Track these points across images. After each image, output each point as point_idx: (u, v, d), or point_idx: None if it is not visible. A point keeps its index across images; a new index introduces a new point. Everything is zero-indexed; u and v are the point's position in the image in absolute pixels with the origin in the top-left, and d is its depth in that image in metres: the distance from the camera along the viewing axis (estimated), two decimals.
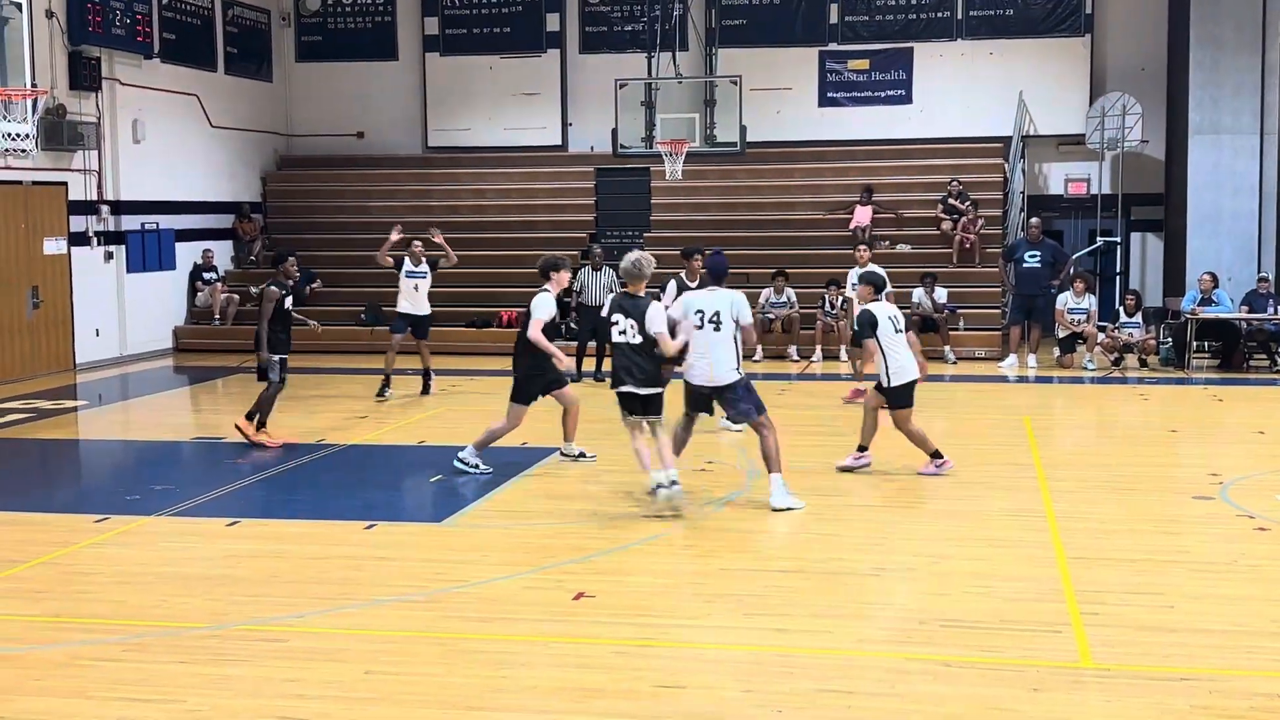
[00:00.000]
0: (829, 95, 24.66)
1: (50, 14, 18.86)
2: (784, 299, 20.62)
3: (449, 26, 25.74)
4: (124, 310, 20.95)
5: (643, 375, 10.20)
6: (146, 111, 21.27)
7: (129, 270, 20.97)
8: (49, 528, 9.93)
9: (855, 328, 11.84)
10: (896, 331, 11.46)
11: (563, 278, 11.65)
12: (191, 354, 21.70)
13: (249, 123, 24.80)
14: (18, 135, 12.63)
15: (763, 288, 20.79)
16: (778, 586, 8.20)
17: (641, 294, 10.42)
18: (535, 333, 11.24)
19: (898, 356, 11.39)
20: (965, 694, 6.43)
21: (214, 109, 23.43)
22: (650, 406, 10.27)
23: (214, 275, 22.87)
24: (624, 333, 10.25)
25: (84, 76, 19.61)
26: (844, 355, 20.01)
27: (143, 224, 21.32)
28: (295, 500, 11.01)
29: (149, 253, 21.47)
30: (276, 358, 12.93)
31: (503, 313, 21.91)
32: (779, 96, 24.20)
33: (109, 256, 20.65)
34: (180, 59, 22.47)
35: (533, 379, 11.48)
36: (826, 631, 7.34)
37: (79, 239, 19.91)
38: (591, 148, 24.80)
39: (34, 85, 14.20)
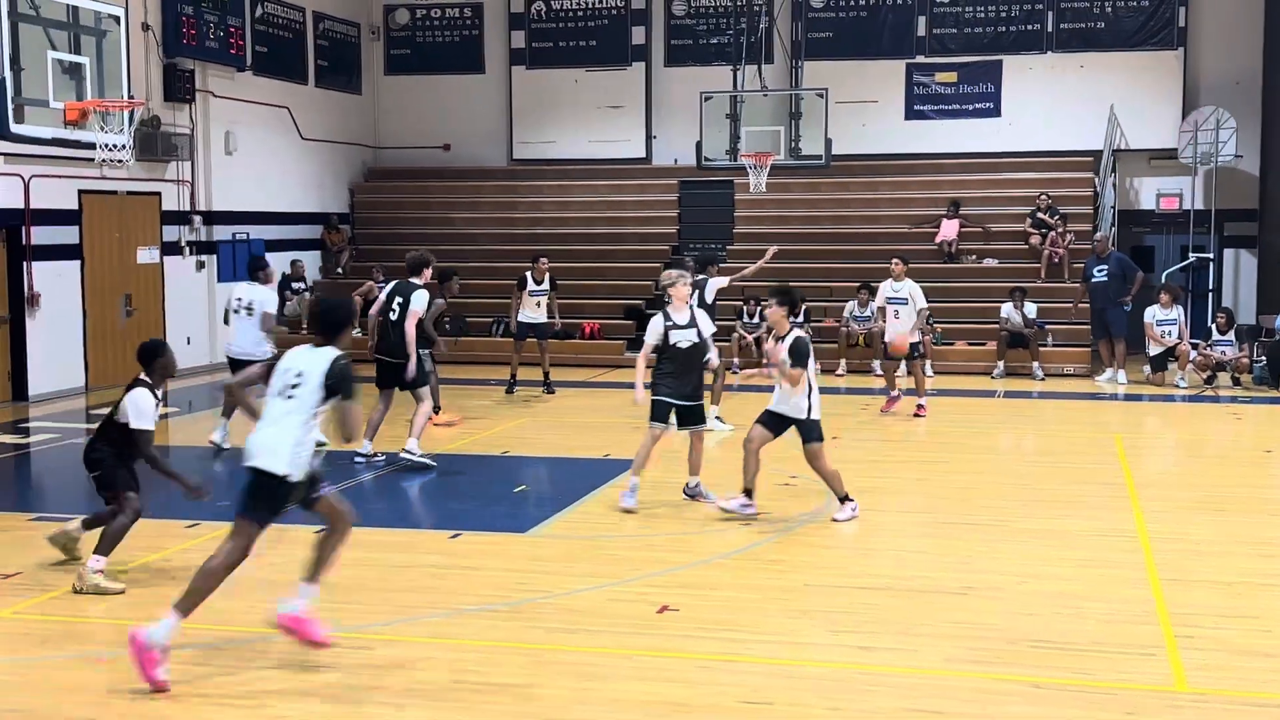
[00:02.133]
0: (916, 108, 24.49)
1: (146, 27, 19.22)
2: (868, 312, 20.45)
3: (535, 40, 25.91)
4: (214, 319, 21.23)
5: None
6: (238, 123, 21.63)
7: (220, 279, 21.29)
8: (141, 532, 10.01)
9: (787, 356, 9.88)
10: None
11: (429, 273, 12.84)
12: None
13: (338, 135, 25.12)
14: (114, 146, 12.90)
15: (847, 300, 20.67)
16: (864, 604, 8.12)
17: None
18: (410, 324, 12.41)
19: (816, 388, 10.16)
20: (1056, 716, 6.32)
21: (304, 121, 23.77)
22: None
23: (303, 285, 23.16)
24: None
25: (178, 89, 19.96)
26: (927, 369, 19.83)
27: (233, 234, 21.67)
28: (381, 509, 11.09)
29: (239, 262, 21.77)
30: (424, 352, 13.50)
31: (585, 325, 21.96)
32: (865, 109, 24.08)
33: (200, 266, 21.00)
34: (272, 72, 22.82)
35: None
36: (913, 650, 7.25)
37: (171, 248, 20.27)
38: (675, 160, 24.83)
39: (130, 97, 14.49)
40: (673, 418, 10.61)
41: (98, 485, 8.89)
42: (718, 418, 14.26)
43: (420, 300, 12.60)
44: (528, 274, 17.76)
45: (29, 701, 6.52)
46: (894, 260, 16.46)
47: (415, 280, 12.76)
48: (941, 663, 7.05)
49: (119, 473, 8.78)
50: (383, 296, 13.19)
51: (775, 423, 10.18)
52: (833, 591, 8.43)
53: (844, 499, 10.32)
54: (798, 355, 9.87)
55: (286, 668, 6.97)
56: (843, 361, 20.08)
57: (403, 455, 12.60)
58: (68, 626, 7.76)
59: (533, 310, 17.72)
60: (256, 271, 13.47)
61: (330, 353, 7.00)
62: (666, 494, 11.24)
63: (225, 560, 6.89)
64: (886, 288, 16.22)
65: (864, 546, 9.68)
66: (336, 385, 6.92)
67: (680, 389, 10.53)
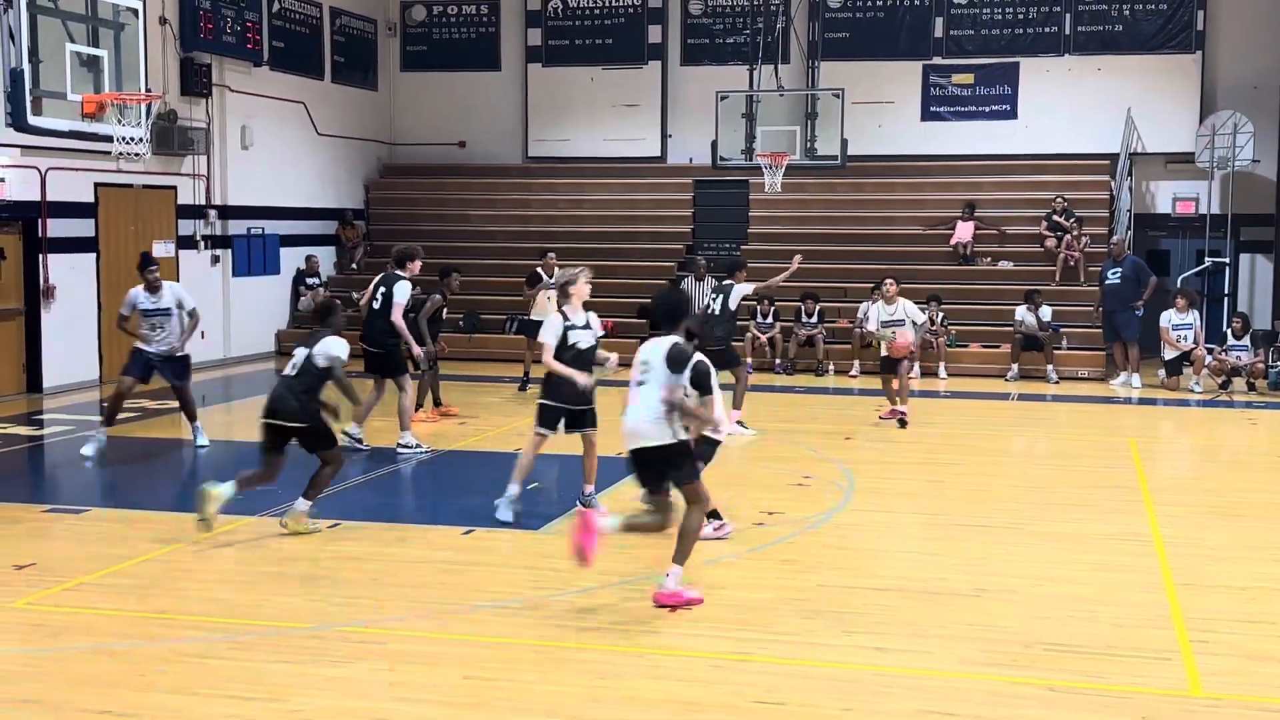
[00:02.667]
0: (932, 109, 24.45)
1: (164, 21, 19.26)
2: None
3: (551, 38, 25.91)
4: (229, 313, 21.32)
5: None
6: (254, 118, 21.66)
7: (235, 274, 21.36)
8: (154, 525, 10.10)
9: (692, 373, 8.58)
10: None
11: (415, 266, 13.12)
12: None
13: (354, 130, 25.15)
14: (131, 139, 12.90)
15: (861, 301, 20.64)
16: (877, 605, 8.10)
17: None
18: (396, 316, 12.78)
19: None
20: (1072, 719, 6.30)
21: (320, 116, 23.79)
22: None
23: (317, 280, 23.18)
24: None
25: (195, 83, 20.00)
26: (941, 372, 19.82)
27: (249, 229, 21.70)
28: (395, 504, 11.11)
29: (254, 257, 21.86)
30: (423, 349, 13.99)
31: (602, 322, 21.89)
32: (881, 110, 24.04)
33: (215, 260, 21.04)
34: (288, 67, 22.85)
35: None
36: (927, 652, 7.22)
37: (187, 242, 20.31)
38: (691, 159, 24.80)
39: (147, 90, 14.50)
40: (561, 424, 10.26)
41: (309, 441, 9.78)
42: (739, 422, 14.18)
43: (402, 292, 12.91)
44: (539, 269, 17.75)
45: (42, 692, 6.53)
46: (887, 282, 15.53)
47: (400, 272, 13.07)
48: (955, 665, 7.03)
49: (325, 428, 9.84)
50: (370, 286, 13.45)
51: None
52: (846, 592, 8.41)
53: (711, 514, 9.42)
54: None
55: (301, 661, 6.98)
56: (856, 363, 20.06)
57: (399, 450, 12.81)
58: (80, 618, 7.76)
59: (543, 308, 17.33)
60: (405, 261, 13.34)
61: (669, 340, 8.12)
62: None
63: (697, 520, 8.15)
64: (879, 310, 15.40)
65: (877, 548, 9.66)
66: (676, 363, 8.00)
67: (571, 393, 10.02)
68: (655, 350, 8.13)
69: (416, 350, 13.36)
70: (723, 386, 8.68)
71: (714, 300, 14.65)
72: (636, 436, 8.02)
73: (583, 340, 10.08)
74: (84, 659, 7.03)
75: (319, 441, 9.80)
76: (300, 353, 9.84)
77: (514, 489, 10.19)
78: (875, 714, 6.33)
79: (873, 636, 7.47)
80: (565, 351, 10.01)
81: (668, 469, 8.03)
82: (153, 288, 13.17)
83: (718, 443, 9.53)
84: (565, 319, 10.08)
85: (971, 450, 14.07)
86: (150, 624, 7.64)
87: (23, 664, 7.06)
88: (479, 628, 7.63)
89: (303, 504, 9.78)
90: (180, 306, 13.14)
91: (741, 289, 14.32)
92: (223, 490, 9.41)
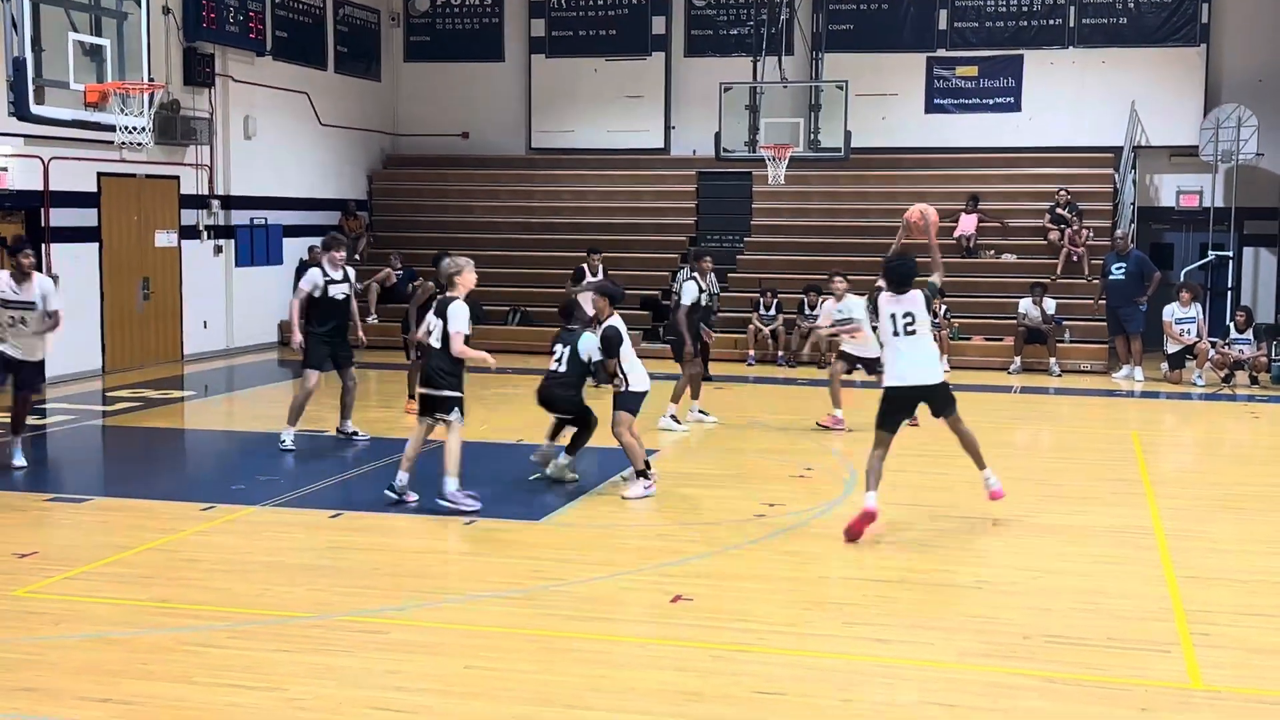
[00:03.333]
0: (936, 101, 24.41)
1: (166, 10, 19.26)
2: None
3: (555, 29, 25.88)
4: (231, 303, 21.32)
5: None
6: (257, 108, 21.64)
7: (237, 264, 21.36)
8: (156, 515, 10.11)
9: (600, 349, 11.04)
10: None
11: (334, 256, 12.87)
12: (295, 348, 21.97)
13: (357, 121, 25.13)
14: (134, 129, 12.86)
15: (863, 293, 20.58)
16: (878, 596, 8.11)
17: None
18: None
19: (635, 368, 11.04)
20: (1071, 712, 6.30)
21: (323, 107, 23.77)
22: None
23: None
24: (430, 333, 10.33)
25: (198, 72, 20.00)
26: (944, 365, 19.78)
27: (251, 219, 21.70)
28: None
29: (257, 247, 21.85)
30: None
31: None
32: (885, 102, 24.01)
33: (218, 250, 21.04)
34: (291, 57, 22.83)
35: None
36: (928, 644, 7.22)
37: (189, 232, 20.31)
38: (694, 151, 24.77)
39: (150, 80, 14.48)
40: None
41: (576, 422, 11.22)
42: (673, 416, 14.07)
43: (306, 279, 13.01)
44: (584, 266, 18.23)
45: (42, 679, 6.54)
46: (835, 278, 15.33)
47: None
48: (956, 656, 7.03)
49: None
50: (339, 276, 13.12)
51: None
52: (847, 584, 8.41)
53: (642, 471, 10.84)
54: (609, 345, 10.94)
55: (301, 651, 6.98)
56: None
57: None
58: (81, 606, 7.77)
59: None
60: None
61: (920, 293, 9.76)
62: (680, 484, 11.24)
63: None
64: (829, 308, 15.32)
65: (878, 540, 9.63)
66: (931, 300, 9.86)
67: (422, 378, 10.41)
68: (915, 302, 9.72)
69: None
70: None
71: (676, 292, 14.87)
72: (924, 373, 9.74)
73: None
74: (84, 647, 7.04)
75: (585, 419, 11.19)
76: (562, 349, 11.09)
77: (403, 475, 10.31)
78: (875, 705, 6.33)
79: (873, 628, 7.47)
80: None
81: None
82: (21, 275, 11.59)
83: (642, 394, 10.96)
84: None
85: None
86: (151, 613, 7.65)
87: (23, 652, 7.07)
88: (479, 617, 7.63)
89: (565, 458, 11.15)
90: (45, 302, 11.64)
91: (690, 288, 14.32)
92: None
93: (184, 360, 20.01)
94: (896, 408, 9.78)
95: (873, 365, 14.60)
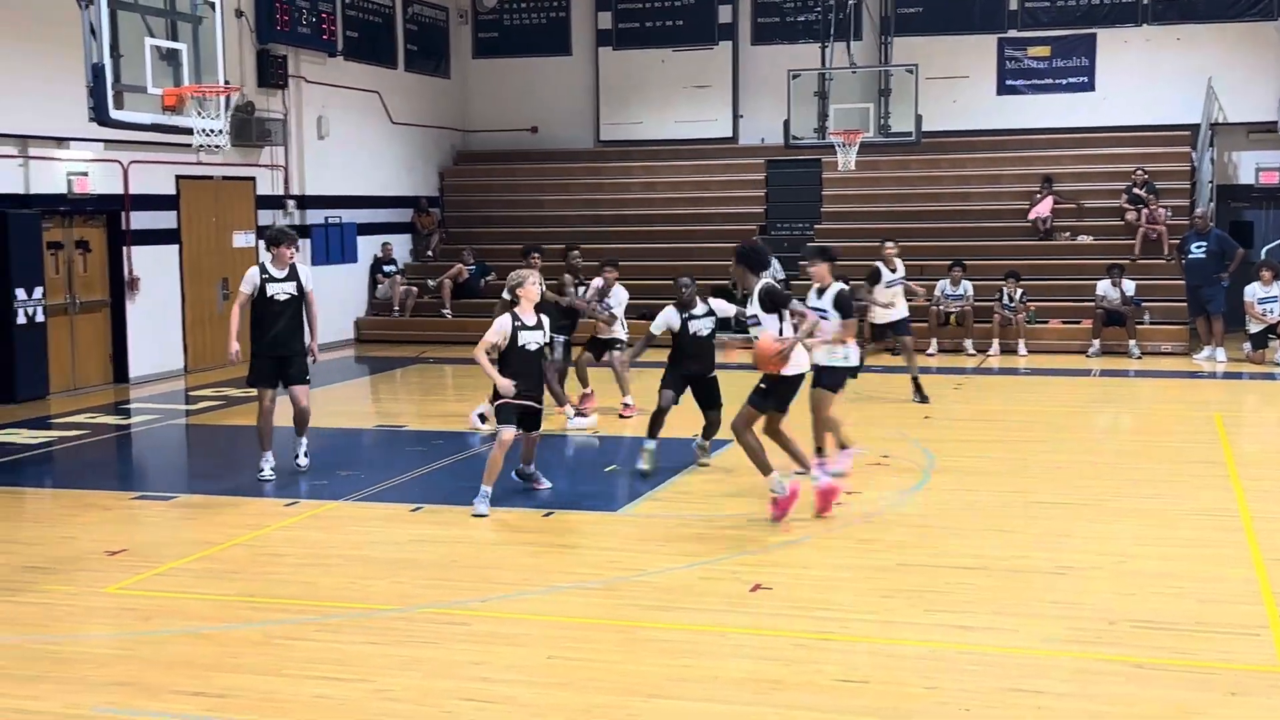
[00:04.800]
0: (1008, 83, 24.17)
1: (240, 13, 19.52)
2: (960, 291, 20.26)
3: (622, 21, 25.91)
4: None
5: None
6: (330, 108, 21.88)
7: (313, 263, 21.56)
8: (241, 510, 10.28)
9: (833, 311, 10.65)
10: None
11: (284, 253, 11.14)
12: (371, 344, 22.25)
13: (427, 118, 25.32)
14: (211, 131, 13.01)
15: (938, 279, 20.48)
16: (959, 583, 8.06)
17: None
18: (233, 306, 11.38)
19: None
20: (1158, 696, 6.23)
21: (394, 105, 23.98)
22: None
23: (393, 268, 23.40)
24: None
25: (271, 74, 20.26)
26: (1021, 349, 19.61)
27: (326, 218, 21.94)
28: (475, 488, 11.16)
29: (332, 246, 22.10)
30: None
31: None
32: (956, 85, 23.81)
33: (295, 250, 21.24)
34: (362, 56, 23.04)
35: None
36: (1012, 630, 7.18)
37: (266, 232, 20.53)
38: (763, 139, 24.70)
39: (226, 83, 14.67)
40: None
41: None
42: (580, 413, 13.91)
43: (245, 279, 11.23)
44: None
45: (136, 674, 6.67)
46: (887, 244, 15.59)
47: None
48: (1040, 642, 6.97)
49: None
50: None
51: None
52: (927, 571, 8.37)
53: (842, 446, 10.97)
54: (845, 307, 10.63)
55: (387, 643, 7.07)
56: (934, 341, 19.88)
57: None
58: (171, 602, 7.92)
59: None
60: None
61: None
62: (755, 473, 11.22)
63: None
64: (889, 275, 15.42)
65: (958, 526, 9.59)
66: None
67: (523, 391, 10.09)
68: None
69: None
70: None
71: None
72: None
73: (530, 342, 10.21)
74: (176, 642, 7.18)
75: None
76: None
77: (486, 489, 9.98)
78: (959, 692, 6.30)
79: (956, 615, 7.43)
80: (513, 353, 10.20)
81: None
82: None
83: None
84: (515, 319, 10.20)
85: (1053, 427, 13.90)
86: (239, 607, 7.78)
87: (116, 647, 7.23)
88: (561, 608, 7.69)
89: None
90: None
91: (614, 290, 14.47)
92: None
93: None
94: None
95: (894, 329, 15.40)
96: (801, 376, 9.77)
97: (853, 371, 10.99)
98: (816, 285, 10.82)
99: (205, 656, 6.91)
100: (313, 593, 8.06)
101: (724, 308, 11.63)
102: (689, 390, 11.52)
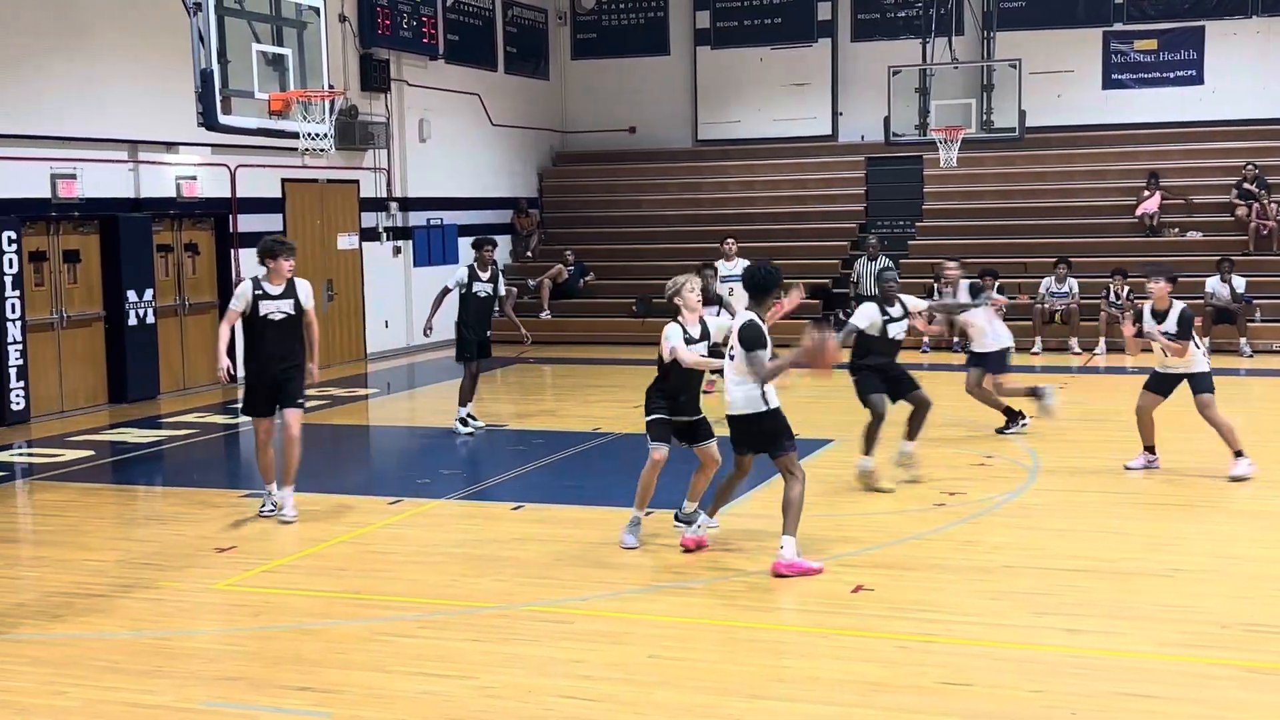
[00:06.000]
0: (1114, 77, 23.75)
1: (343, 18, 19.79)
2: (1065, 289, 19.94)
3: (720, 20, 25.87)
4: (411, 302, 21.81)
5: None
6: (431, 111, 22.10)
7: (415, 264, 21.84)
8: (346, 509, 10.42)
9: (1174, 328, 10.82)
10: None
11: (281, 266, 10.11)
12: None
13: (527, 120, 25.48)
14: (316, 135, 13.20)
15: (1043, 276, 20.17)
16: (1067, 586, 7.92)
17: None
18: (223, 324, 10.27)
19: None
20: (1274, 702, 6.08)
21: (494, 107, 24.17)
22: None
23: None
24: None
25: (374, 78, 20.52)
26: (1128, 348, 19.20)
27: (428, 220, 22.18)
28: (575, 487, 11.23)
29: (434, 247, 22.33)
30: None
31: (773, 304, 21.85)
32: (1060, 79, 23.44)
33: (397, 251, 21.56)
34: (463, 59, 23.25)
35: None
36: (1121, 633, 7.04)
37: (369, 234, 20.86)
38: (862, 137, 24.54)
39: (330, 87, 14.89)
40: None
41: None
42: (462, 419, 13.63)
43: (236, 294, 10.28)
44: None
45: (245, 669, 6.79)
46: (727, 240, 16.05)
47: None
48: (1151, 646, 6.83)
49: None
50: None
51: (1163, 384, 11.08)
52: (1033, 573, 8.24)
53: (1237, 454, 10.68)
54: (1186, 324, 10.82)
55: (490, 640, 7.13)
56: (1038, 339, 19.58)
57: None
58: (279, 598, 8.05)
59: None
60: None
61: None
62: (853, 474, 11.15)
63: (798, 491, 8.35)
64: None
65: (1064, 528, 9.43)
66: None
67: (673, 405, 9.13)
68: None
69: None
70: None
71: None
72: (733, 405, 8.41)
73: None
74: (284, 637, 7.30)
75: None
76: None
77: (637, 514, 9.21)
78: (1068, 696, 6.19)
79: (1063, 618, 7.31)
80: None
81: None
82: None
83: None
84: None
85: (1160, 426, 13.58)
86: (345, 604, 7.89)
87: (226, 642, 7.38)
88: (661, 607, 7.70)
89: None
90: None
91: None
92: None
93: (367, 359, 20.57)
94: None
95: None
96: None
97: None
98: (1152, 304, 10.97)
99: (312, 652, 7.02)
100: (416, 590, 8.16)
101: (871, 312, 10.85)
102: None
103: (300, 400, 10.12)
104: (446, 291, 13.89)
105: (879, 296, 11.00)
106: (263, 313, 9.98)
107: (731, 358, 8.45)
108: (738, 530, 9.49)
